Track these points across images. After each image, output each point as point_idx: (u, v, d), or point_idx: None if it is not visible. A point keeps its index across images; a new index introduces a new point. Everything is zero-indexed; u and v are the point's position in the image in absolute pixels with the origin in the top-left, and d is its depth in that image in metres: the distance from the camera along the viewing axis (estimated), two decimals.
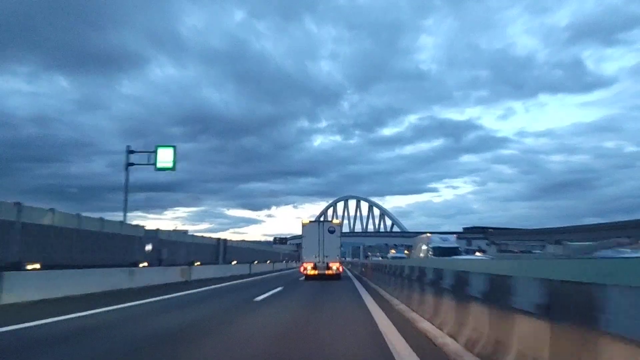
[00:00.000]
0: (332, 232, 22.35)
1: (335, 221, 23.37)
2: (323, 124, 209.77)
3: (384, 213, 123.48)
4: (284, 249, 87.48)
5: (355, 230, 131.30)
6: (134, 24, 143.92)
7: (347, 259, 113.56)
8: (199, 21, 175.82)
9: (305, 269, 22.06)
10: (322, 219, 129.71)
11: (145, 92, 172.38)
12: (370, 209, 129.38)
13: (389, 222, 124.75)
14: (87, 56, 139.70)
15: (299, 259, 66.97)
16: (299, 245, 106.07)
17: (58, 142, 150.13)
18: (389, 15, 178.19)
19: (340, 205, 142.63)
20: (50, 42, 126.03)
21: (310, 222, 23.64)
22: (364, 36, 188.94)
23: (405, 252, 63.09)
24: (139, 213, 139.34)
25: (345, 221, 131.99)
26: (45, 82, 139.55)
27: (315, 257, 21.88)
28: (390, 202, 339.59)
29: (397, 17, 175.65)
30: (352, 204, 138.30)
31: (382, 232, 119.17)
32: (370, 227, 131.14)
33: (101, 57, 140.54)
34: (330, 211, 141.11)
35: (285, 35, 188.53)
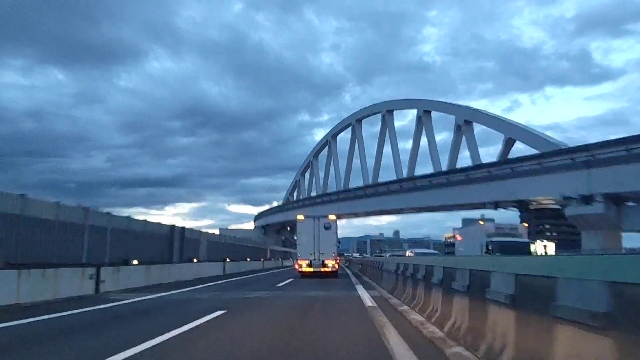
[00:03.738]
0: (328, 228, 22.09)
1: (331, 217, 23.06)
2: (324, 117, 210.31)
3: (460, 125, 43.81)
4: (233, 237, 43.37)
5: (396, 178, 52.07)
6: (130, 15, 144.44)
7: (355, 255, 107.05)
8: (197, 12, 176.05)
9: (300, 266, 21.96)
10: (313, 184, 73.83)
11: (144, 85, 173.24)
12: (419, 122, 49.21)
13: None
14: (83, 49, 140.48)
15: (267, 255, 43.27)
16: (266, 228, 78.48)
17: (56, 136, 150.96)
18: (391, 5, 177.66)
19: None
20: (45, 35, 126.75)
21: (306, 217, 23.36)
22: (366, 27, 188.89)
23: (409, 253, 32.24)
24: (140, 209, 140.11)
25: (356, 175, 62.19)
26: (41, 75, 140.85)
27: (311, 254, 21.68)
28: None
29: (400, 7, 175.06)
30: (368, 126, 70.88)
31: (469, 167, 40.48)
32: (420, 166, 60.53)
33: (97, 50, 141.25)
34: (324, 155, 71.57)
35: (284, 27, 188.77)
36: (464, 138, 43.34)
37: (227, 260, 26.73)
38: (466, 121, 42.96)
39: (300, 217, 23.45)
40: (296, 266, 22.69)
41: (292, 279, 19.79)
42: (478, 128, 42.74)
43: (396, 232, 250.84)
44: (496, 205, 35.10)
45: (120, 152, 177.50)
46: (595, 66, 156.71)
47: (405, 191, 45.93)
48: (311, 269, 21.56)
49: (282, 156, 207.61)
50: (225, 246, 29.09)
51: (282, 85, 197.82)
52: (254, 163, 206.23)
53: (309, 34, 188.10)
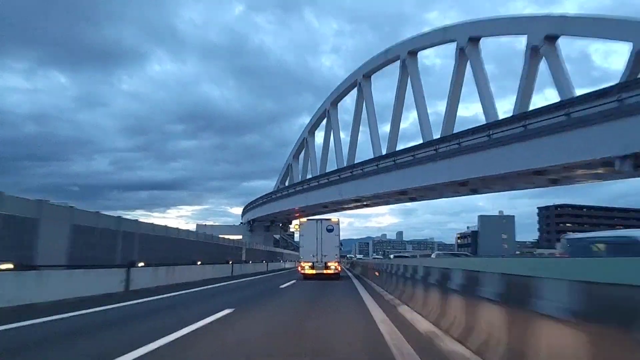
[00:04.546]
0: (330, 230, 22.85)
1: (333, 219, 23.68)
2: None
3: (537, 47, 26.41)
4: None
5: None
6: (131, 18, 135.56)
7: (358, 256, 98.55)
8: (197, 15, 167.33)
9: (302, 268, 22.73)
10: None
11: (145, 88, 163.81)
12: (461, 57, 32.39)
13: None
14: (84, 52, 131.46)
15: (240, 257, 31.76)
16: (253, 224, 66.13)
17: (59, 140, 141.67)
18: (391, 8, 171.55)
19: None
20: (47, 38, 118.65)
21: (308, 220, 24.43)
22: (366, 29, 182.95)
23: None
24: (142, 212, 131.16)
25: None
26: (44, 78, 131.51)
27: (313, 256, 22.43)
28: None
29: (400, 9, 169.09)
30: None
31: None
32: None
33: (99, 53, 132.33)
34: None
35: (285, 29, 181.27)
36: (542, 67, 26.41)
37: (141, 264, 15.14)
38: (548, 37, 25.61)
39: (302, 219, 25.16)
40: (299, 268, 23.53)
41: (227, 311, 8.47)
42: None
43: (399, 233, 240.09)
44: (636, 160, 18.25)
45: (123, 156, 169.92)
46: (595, 69, 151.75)
47: (444, 157, 27.62)
48: (314, 271, 22.37)
49: (284, 159, 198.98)
50: (137, 240, 15.97)
51: (283, 87, 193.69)
52: (256, 166, 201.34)
53: (310, 37, 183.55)
